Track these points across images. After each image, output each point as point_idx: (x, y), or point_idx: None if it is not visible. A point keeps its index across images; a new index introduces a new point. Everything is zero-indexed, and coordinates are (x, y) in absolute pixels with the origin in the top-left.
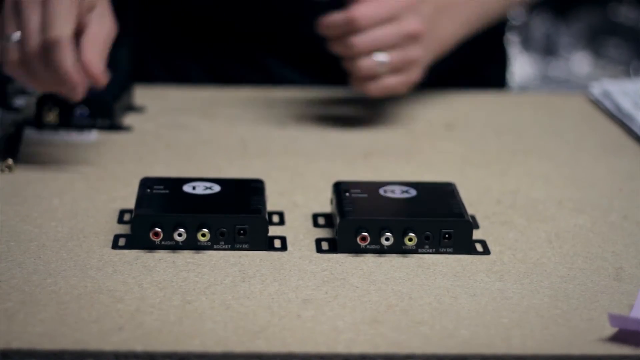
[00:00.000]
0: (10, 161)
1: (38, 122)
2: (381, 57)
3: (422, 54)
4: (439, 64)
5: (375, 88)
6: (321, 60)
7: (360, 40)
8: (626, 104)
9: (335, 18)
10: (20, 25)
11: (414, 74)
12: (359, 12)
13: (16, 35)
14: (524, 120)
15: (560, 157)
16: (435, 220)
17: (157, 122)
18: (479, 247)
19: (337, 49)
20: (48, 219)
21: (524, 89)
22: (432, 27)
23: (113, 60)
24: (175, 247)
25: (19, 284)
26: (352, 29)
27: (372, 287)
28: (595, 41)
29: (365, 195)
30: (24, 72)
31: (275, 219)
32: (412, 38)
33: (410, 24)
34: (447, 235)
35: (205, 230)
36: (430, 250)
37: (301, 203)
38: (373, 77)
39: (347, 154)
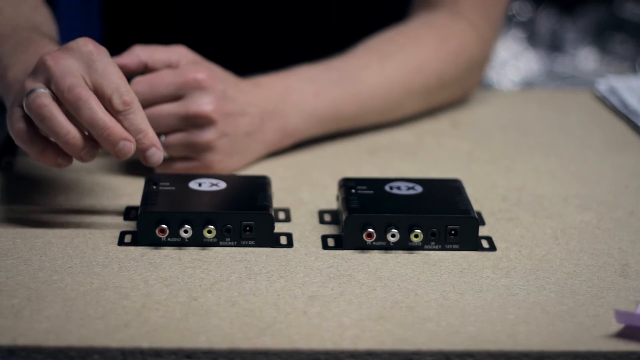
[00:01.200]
0: (8, 159)
1: None
2: (161, 139)
3: (213, 138)
4: None
5: (162, 170)
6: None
7: (134, 118)
8: (632, 100)
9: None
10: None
11: (209, 159)
12: (135, 87)
13: (42, 86)
14: (529, 117)
15: (566, 153)
16: (441, 216)
17: None
18: (485, 244)
19: None
20: (54, 216)
21: (529, 85)
22: (268, 114)
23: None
24: (181, 243)
25: (25, 280)
26: None
27: (378, 284)
28: (601, 37)
29: (371, 191)
30: (55, 114)
31: (282, 215)
32: (196, 120)
33: (194, 105)
34: (453, 232)
35: (211, 226)
36: (436, 247)
37: (307, 200)
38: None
39: (353, 151)
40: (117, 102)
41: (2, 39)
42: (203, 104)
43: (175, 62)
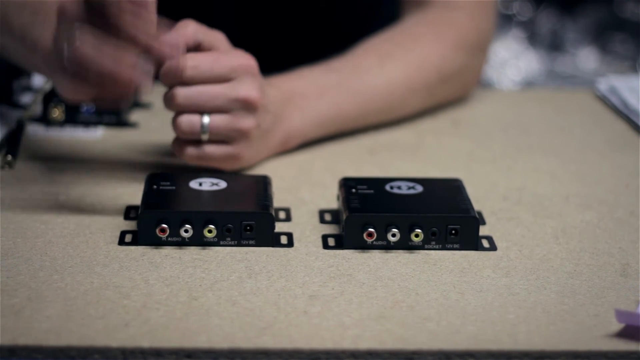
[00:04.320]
0: (9, 157)
1: (44, 119)
2: (205, 119)
3: (253, 126)
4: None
5: (191, 154)
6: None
7: (181, 93)
8: (632, 100)
9: (169, 65)
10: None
11: (241, 148)
12: (189, 61)
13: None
14: (530, 117)
15: (566, 153)
16: (442, 216)
17: (163, 118)
18: (485, 243)
19: (164, 100)
20: (54, 216)
21: (530, 84)
22: (277, 115)
23: None
24: (182, 243)
25: (25, 280)
26: (180, 79)
27: (379, 283)
28: (601, 37)
29: (371, 191)
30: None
31: (282, 215)
32: (244, 105)
33: (244, 89)
34: (453, 231)
35: (211, 226)
36: (437, 246)
37: (307, 199)
38: (193, 139)
39: (353, 150)
40: None
41: (17, 8)
42: (252, 89)
43: (217, 47)
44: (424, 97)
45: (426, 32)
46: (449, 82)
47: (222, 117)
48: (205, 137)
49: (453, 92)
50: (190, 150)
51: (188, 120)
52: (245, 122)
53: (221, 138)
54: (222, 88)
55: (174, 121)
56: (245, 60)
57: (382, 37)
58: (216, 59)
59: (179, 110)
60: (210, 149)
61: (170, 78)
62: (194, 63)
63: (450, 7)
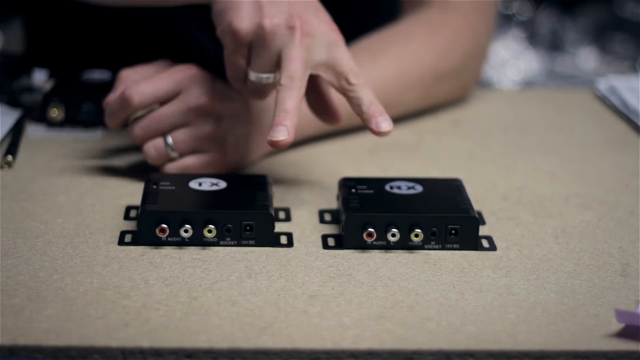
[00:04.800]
0: (9, 157)
1: (44, 119)
2: (168, 139)
3: (217, 129)
4: None
5: (172, 168)
6: None
7: (136, 126)
8: (632, 100)
9: (111, 100)
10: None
11: (219, 153)
12: (133, 89)
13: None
14: (530, 116)
15: (566, 153)
16: (442, 216)
17: None
18: (485, 243)
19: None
20: (54, 216)
21: (530, 84)
22: (263, 111)
23: None
24: (182, 243)
25: (25, 280)
26: (127, 111)
27: (379, 283)
28: (601, 37)
29: (371, 191)
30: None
31: (282, 215)
32: (198, 112)
33: (193, 98)
34: (453, 231)
35: (211, 226)
36: (437, 246)
37: (307, 199)
38: (166, 159)
39: (353, 150)
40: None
41: None
42: (201, 95)
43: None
44: (419, 94)
45: (421, 30)
46: (444, 81)
47: (182, 131)
48: (175, 154)
49: (450, 91)
50: (169, 167)
51: (153, 147)
52: (207, 127)
53: (191, 150)
54: (171, 105)
55: (143, 152)
56: (187, 70)
57: (374, 36)
58: (157, 79)
59: (142, 142)
60: (187, 162)
61: (116, 118)
62: (137, 89)
63: (447, 8)
